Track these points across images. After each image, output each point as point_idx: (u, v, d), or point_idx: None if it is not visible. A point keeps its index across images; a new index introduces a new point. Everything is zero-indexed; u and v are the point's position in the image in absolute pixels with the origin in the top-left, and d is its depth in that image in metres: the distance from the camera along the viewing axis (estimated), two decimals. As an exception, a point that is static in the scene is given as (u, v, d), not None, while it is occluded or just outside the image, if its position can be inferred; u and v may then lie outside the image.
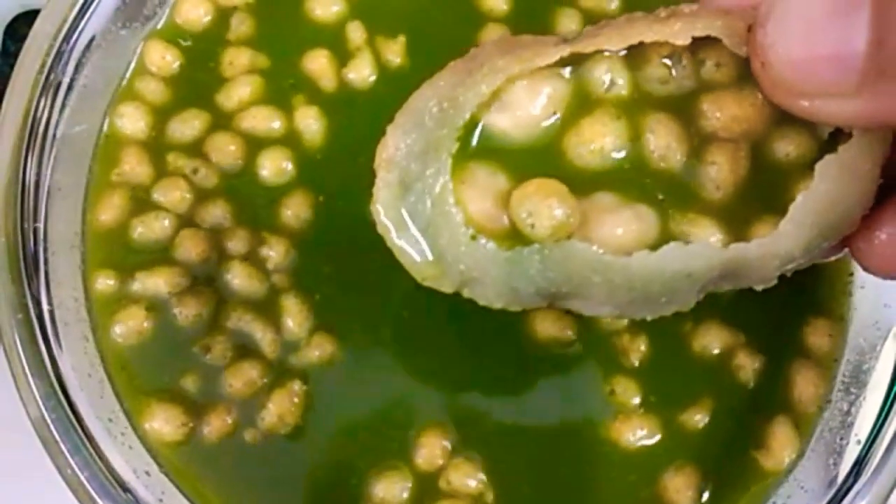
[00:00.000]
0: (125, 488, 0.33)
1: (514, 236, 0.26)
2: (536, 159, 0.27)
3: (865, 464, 0.34)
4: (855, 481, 0.34)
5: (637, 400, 0.35)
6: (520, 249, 0.25)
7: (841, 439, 0.35)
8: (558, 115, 0.27)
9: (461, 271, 0.26)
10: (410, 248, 0.27)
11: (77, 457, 0.32)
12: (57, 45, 0.36)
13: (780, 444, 0.35)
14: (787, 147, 0.26)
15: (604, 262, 0.25)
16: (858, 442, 0.35)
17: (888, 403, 0.35)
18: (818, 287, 0.37)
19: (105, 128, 0.38)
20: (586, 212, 0.26)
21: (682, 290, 0.26)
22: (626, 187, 0.26)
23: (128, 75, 0.39)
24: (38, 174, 0.36)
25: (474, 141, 0.27)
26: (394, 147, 0.26)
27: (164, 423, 0.34)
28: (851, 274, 0.37)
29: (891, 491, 0.33)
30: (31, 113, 0.35)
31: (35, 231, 0.35)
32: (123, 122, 0.38)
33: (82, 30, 0.37)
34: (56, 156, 0.36)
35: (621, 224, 0.26)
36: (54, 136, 0.36)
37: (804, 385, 0.36)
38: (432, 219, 0.26)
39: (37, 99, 0.36)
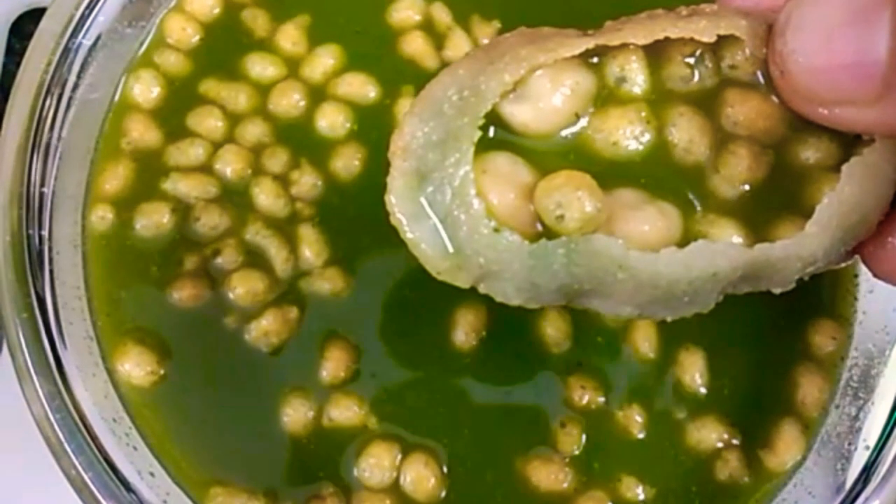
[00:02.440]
0: (129, 489, 0.33)
1: (539, 229, 0.25)
2: (559, 152, 0.26)
3: (874, 470, 0.34)
4: (863, 487, 0.34)
5: (576, 451, 0.35)
6: (544, 243, 0.25)
7: (849, 444, 0.35)
8: (581, 107, 0.26)
9: (480, 265, 0.25)
10: (425, 240, 0.26)
11: (81, 457, 0.32)
12: (63, 43, 0.36)
13: (786, 444, 0.35)
14: (811, 148, 0.26)
15: (631, 257, 0.24)
16: (867, 447, 0.35)
17: (897, 409, 0.34)
18: (823, 289, 0.37)
19: (107, 128, 0.38)
20: (611, 207, 0.25)
21: (704, 291, 0.25)
22: (649, 183, 0.26)
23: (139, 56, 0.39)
24: (44, 175, 0.36)
25: (496, 131, 0.26)
26: (410, 135, 0.26)
27: (135, 365, 0.35)
28: (857, 276, 0.37)
29: (899, 497, 0.33)
30: (37, 112, 0.35)
31: (40, 231, 0.35)
32: (136, 92, 0.38)
33: (88, 28, 0.37)
34: (61, 155, 0.36)
35: (647, 220, 0.25)
36: (60, 135, 0.36)
37: (808, 388, 0.36)
38: (451, 210, 0.25)
39: (42, 97, 0.35)
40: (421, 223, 0.26)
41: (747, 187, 0.26)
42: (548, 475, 0.35)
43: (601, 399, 0.35)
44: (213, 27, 0.39)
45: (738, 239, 0.26)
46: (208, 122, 0.37)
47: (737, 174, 0.26)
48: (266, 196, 0.36)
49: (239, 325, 0.35)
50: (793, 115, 0.25)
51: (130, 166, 0.37)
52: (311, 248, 0.36)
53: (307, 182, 0.37)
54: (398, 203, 0.26)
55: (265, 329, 0.35)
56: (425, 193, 0.26)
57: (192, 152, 0.37)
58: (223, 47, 0.39)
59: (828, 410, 0.36)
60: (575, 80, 0.26)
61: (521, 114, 0.26)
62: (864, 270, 0.37)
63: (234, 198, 0.37)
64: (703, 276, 0.25)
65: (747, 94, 0.26)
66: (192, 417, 0.35)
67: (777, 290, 0.26)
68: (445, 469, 0.35)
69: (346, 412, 0.35)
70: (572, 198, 0.25)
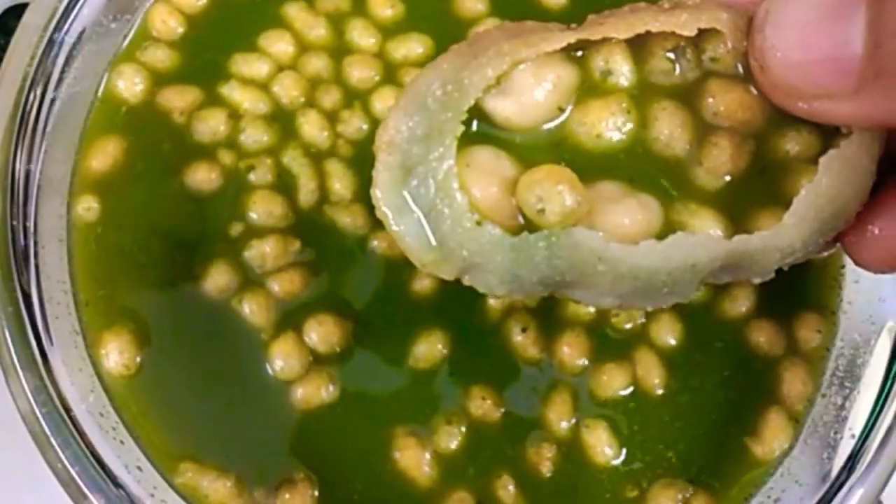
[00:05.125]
0: (117, 483, 0.33)
1: (521, 222, 0.26)
2: (541, 145, 0.27)
3: (859, 458, 0.34)
4: (849, 476, 0.34)
5: (453, 446, 0.35)
6: (526, 236, 0.25)
7: (835, 433, 0.35)
8: (563, 101, 0.27)
9: (464, 257, 0.26)
10: (410, 233, 0.26)
11: (68, 451, 0.32)
12: (47, 37, 0.36)
13: (773, 432, 0.35)
14: (790, 141, 0.26)
15: (611, 250, 0.25)
16: (853, 436, 0.35)
17: (882, 398, 0.35)
18: (809, 282, 0.37)
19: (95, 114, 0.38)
20: (591, 200, 0.26)
21: (684, 281, 0.25)
22: (630, 176, 0.26)
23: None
24: (28, 169, 0.35)
25: (479, 125, 0.26)
26: (395, 129, 0.26)
27: (117, 352, 0.35)
28: (843, 266, 0.38)
29: (885, 485, 0.33)
30: (21, 106, 0.35)
31: (25, 225, 0.35)
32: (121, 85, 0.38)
33: (72, 22, 0.36)
34: (46, 149, 0.36)
35: (627, 213, 0.26)
36: (44, 129, 0.36)
37: (792, 381, 0.36)
38: (435, 203, 0.26)
39: (27, 92, 0.35)
40: (406, 216, 0.26)
41: (728, 178, 0.27)
42: (411, 456, 0.35)
43: (498, 413, 0.35)
44: (199, 19, 0.39)
45: (717, 230, 0.26)
46: (279, 46, 0.38)
47: (718, 164, 0.26)
48: (311, 126, 0.37)
49: (241, 240, 0.36)
50: (773, 107, 0.26)
51: (121, 145, 0.37)
52: (341, 181, 0.37)
53: (354, 124, 0.37)
54: (383, 196, 0.26)
55: (263, 252, 0.36)
56: (410, 187, 0.26)
57: (256, 67, 0.38)
58: (210, 39, 0.39)
59: (813, 401, 0.36)
60: (557, 74, 0.26)
61: (504, 108, 0.26)
62: (850, 262, 0.37)
63: (282, 120, 0.38)
64: (682, 268, 0.25)
65: (728, 85, 0.26)
66: (171, 400, 0.35)
67: (757, 280, 0.27)
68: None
69: (256, 308, 0.35)
70: (553, 192, 0.25)
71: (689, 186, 0.27)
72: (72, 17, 0.36)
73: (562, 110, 0.27)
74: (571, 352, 0.35)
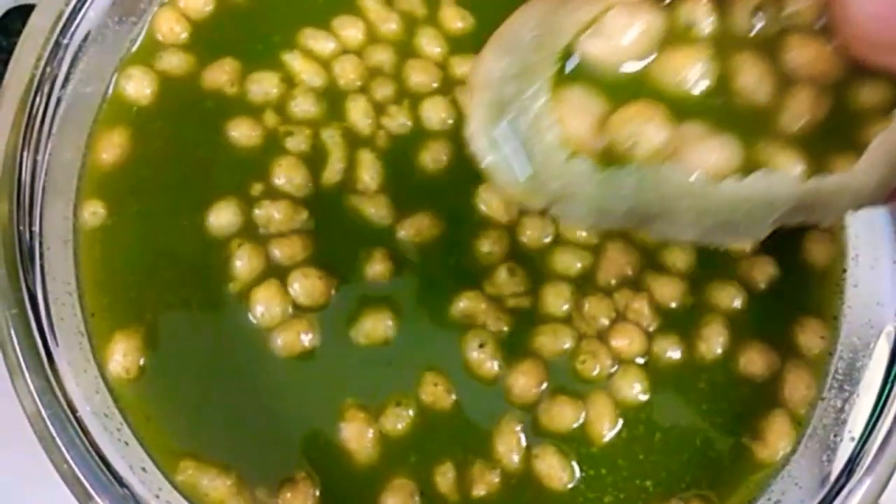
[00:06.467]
0: (122, 483, 0.33)
1: (611, 157, 0.27)
2: (629, 86, 0.28)
3: (859, 461, 0.34)
4: (848, 478, 0.34)
5: (399, 427, 0.35)
6: (616, 170, 0.26)
7: (835, 436, 0.36)
8: (651, 46, 0.28)
9: (554, 189, 0.27)
10: (502, 166, 0.27)
11: (73, 451, 0.32)
12: (53, 39, 0.36)
13: (777, 435, 0.36)
14: (868, 92, 0.27)
15: (696, 186, 0.26)
16: (852, 439, 0.35)
17: (881, 401, 0.35)
18: (811, 288, 0.38)
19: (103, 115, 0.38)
20: (677, 138, 0.27)
21: (760, 219, 0.26)
22: (713, 118, 0.27)
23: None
24: (34, 171, 0.35)
25: (571, 65, 0.28)
26: (487, 70, 0.27)
27: (122, 355, 0.35)
28: (845, 270, 0.38)
29: (884, 488, 0.34)
30: (27, 108, 0.35)
31: (31, 227, 0.35)
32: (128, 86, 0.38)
33: (78, 24, 0.37)
34: (52, 152, 0.36)
35: (711, 152, 0.27)
36: (50, 132, 0.36)
37: (796, 384, 0.36)
38: (528, 138, 0.27)
39: (33, 94, 0.35)
40: (498, 151, 0.27)
41: (806, 126, 0.27)
42: (354, 430, 0.35)
43: (449, 401, 0.35)
44: (204, 25, 0.39)
45: (795, 171, 0.27)
46: (349, 31, 0.39)
47: (797, 114, 0.27)
48: (357, 111, 0.38)
49: (258, 199, 0.36)
50: (851, 59, 0.27)
51: (130, 134, 0.37)
52: (370, 172, 0.37)
53: (399, 120, 0.38)
54: (477, 133, 0.27)
55: (269, 216, 0.36)
56: (503, 124, 0.27)
57: (323, 44, 0.39)
58: (216, 44, 0.39)
59: (815, 405, 0.37)
60: (646, 20, 0.27)
61: (594, 49, 0.28)
62: (851, 265, 0.38)
63: (332, 98, 0.38)
64: (760, 205, 0.26)
65: (809, 38, 0.27)
66: (174, 399, 0.35)
67: (825, 224, 0.28)
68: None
69: (248, 261, 0.36)
70: (644, 128, 0.26)
71: (768, 132, 0.27)
72: (77, 19, 0.36)
73: (650, 54, 0.28)
74: (528, 381, 0.35)
